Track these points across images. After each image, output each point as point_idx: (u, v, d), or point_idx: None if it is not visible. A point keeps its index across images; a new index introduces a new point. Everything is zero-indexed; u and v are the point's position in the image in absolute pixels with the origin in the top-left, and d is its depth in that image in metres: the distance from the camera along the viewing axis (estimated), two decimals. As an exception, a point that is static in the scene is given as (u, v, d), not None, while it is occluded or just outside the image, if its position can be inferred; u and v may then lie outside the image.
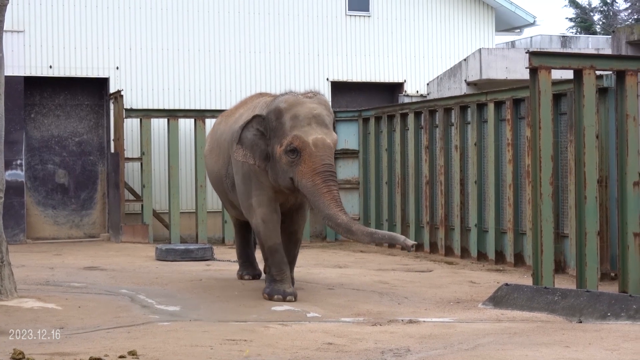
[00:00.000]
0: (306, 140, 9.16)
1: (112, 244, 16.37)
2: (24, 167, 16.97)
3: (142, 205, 16.69)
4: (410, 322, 8.42)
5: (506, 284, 9.59)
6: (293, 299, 9.40)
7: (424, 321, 8.50)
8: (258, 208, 9.70)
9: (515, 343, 7.29)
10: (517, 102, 13.07)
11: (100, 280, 11.15)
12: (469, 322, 8.50)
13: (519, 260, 13.02)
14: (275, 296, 9.42)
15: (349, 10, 19.00)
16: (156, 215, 16.91)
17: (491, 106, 13.50)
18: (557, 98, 11.97)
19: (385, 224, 16.27)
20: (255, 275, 11.06)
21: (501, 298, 9.36)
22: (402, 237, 8.99)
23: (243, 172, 9.81)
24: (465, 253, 14.13)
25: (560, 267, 11.92)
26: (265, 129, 9.51)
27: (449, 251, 14.50)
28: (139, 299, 9.60)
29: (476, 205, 13.83)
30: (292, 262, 10.02)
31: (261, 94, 10.47)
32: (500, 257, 13.38)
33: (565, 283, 10.81)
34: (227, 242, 16.47)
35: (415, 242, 9.58)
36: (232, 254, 14.30)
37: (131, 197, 16.87)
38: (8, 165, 15.64)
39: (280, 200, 9.77)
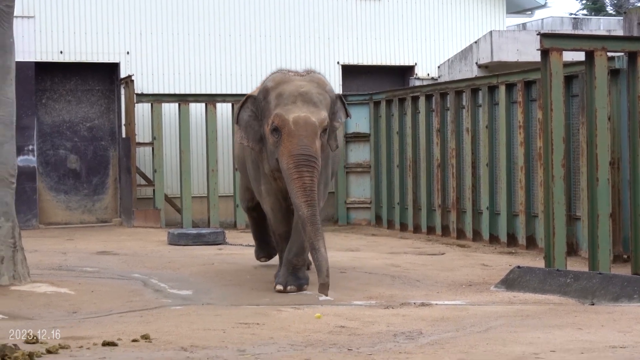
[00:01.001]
0: (286, 119, 8.59)
1: (124, 229, 16.41)
2: (35, 153, 17.00)
3: (153, 190, 16.71)
4: (423, 305, 8.42)
5: (518, 267, 9.58)
6: (305, 286, 9.08)
7: (436, 304, 8.50)
8: (267, 196, 9.42)
9: (528, 325, 7.29)
10: (528, 85, 13.03)
11: (113, 264, 11.18)
12: (481, 304, 8.50)
13: (531, 242, 13.01)
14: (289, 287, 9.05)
15: (359, -7, 18.96)
16: (168, 199, 16.93)
17: (502, 89, 13.46)
18: (568, 80, 11.92)
19: (397, 208, 16.26)
20: (271, 255, 10.88)
21: (513, 281, 9.35)
22: (324, 276, 8.28)
23: (252, 158, 9.53)
24: (477, 236, 14.12)
25: (572, 250, 11.90)
26: (257, 109, 9.07)
27: (460, 234, 14.49)
28: (151, 283, 9.62)
29: (488, 188, 13.80)
30: (295, 255, 9.30)
31: (281, 70, 9.52)
32: (512, 240, 13.36)
33: (577, 265, 10.79)
34: (239, 226, 16.49)
35: (328, 297, 8.56)
36: (244, 238, 14.33)
37: (143, 182, 16.89)
38: (20, 151, 15.66)
39: (281, 186, 9.20)
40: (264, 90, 8.98)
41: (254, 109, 9.10)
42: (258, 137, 9.05)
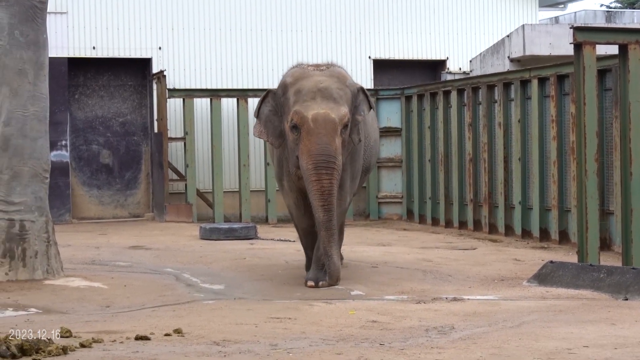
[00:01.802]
0: (305, 116, 8.42)
1: (156, 224, 16.48)
2: (68, 148, 17.11)
3: (185, 185, 16.78)
4: (454, 299, 8.40)
5: (551, 262, 9.53)
6: (325, 284, 8.90)
7: (468, 299, 8.47)
8: (290, 192, 9.27)
9: (561, 320, 7.25)
10: (561, 78, 12.96)
11: (145, 259, 11.23)
12: (513, 299, 8.46)
13: (563, 237, 12.94)
14: (309, 282, 9.01)
15: (390, -13, 18.92)
16: (200, 194, 16.98)
17: (535, 82, 13.39)
18: (601, 74, 11.84)
19: (429, 202, 16.23)
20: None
21: (546, 275, 9.30)
22: (333, 282, 8.56)
23: (277, 154, 9.38)
24: (509, 231, 14.06)
25: (605, 245, 11.82)
26: (277, 104, 8.91)
27: (492, 229, 14.44)
28: (183, 277, 9.66)
29: (520, 182, 13.74)
30: (322, 253, 9.02)
31: (300, 65, 9.31)
32: (544, 235, 13.30)
33: (610, 260, 10.72)
34: (271, 220, 16.53)
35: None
36: (275, 232, 14.37)
37: (175, 177, 16.96)
38: (53, 146, 15.75)
39: (302, 185, 8.99)
40: (283, 86, 8.85)
41: (273, 104, 8.96)
42: (278, 132, 8.92)
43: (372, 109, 9.39)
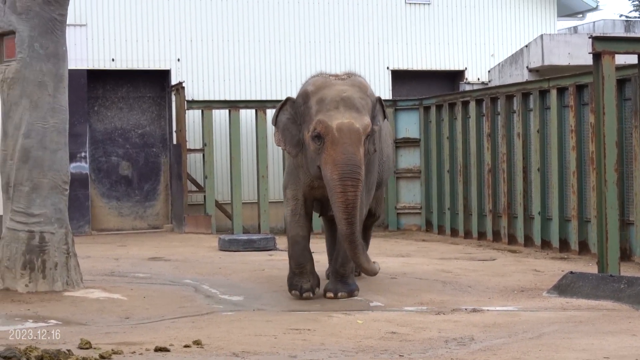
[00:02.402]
0: (330, 125, 8.31)
1: (175, 235, 16.50)
2: (88, 160, 17.17)
3: (204, 196, 16.80)
4: (474, 310, 8.38)
5: (571, 272, 9.50)
6: (311, 295, 8.87)
7: (488, 310, 8.45)
8: (290, 200, 9.13)
9: (581, 332, 7.22)
10: (580, 88, 12.92)
11: (165, 270, 11.25)
12: (533, 310, 8.43)
13: (583, 248, 12.88)
14: (292, 291, 8.95)
15: (408, -2, 18.92)
16: (219, 205, 17.01)
17: (554, 92, 13.35)
18: (621, 83, 11.79)
19: (448, 213, 16.20)
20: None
21: (566, 286, 9.27)
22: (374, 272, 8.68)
23: (288, 163, 9.33)
24: (528, 241, 14.01)
25: (625, 255, 11.76)
26: (296, 113, 8.81)
27: (512, 239, 14.38)
28: (202, 289, 9.67)
29: (539, 192, 13.69)
30: (341, 264, 9.08)
31: (321, 74, 9.18)
32: (564, 245, 13.24)
33: (631, 271, 10.67)
34: (289, 232, 16.50)
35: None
36: (294, 243, 14.34)
37: (194, 188, 16.99)
38: (72, 158, 15.80)
39: (317, 195, 9.08)
40: (304, 94, 8.77)
41: (292, 113, 8.88)
42: (295, 141, 8.85)
43: (386, 120, 9.34)
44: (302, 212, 9.07)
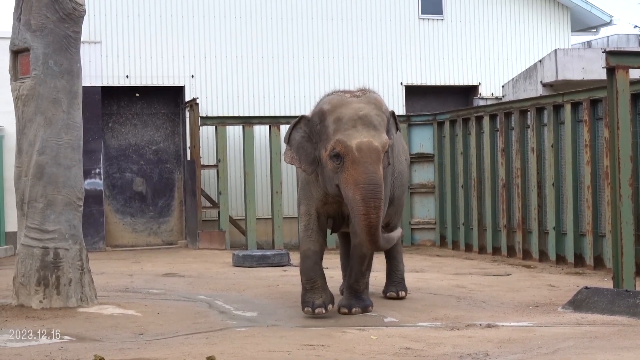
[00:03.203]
0: (349, 145, 8.30)
1: (189, 251, 16.52)
2: (102, 176, 17.22)
3: (218, 212, 16.82)
4: (489, 326, 8.35)
5: (586, 287, 9.45)
6: (323, 311, 8.76)
7: (503, 325, 8.42)
8: (304, 215, 9.12)
9: (596, 347, 7.18)
10: (594, 103, 12.89)
11: (179, 286, 11.25)
12: (548, 326, 8.40)
13: (598, 263, 12.83)
14: (305, 308, 8.84)
15: (422, 13, 18.92)
16: (233, 221, 17.02)
17: (568, 107, 13.33)
18: (635, 98, 11.76)
19: (462, 228, 16.17)
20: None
21: (581, 302, 9.23)
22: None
23: (301, 179, 9.32)
24: (543, 256, 13.96)
25: (641, 270, 11.70)
26: (312, 131, 8.78)
27: (526, 254, 14.34)
28: (216, 305, 9.66)
29: (554, 207, 13.65)
30: (355, 280, 9.04)
31: (336, 92, 9.06)
32: (579, 260, 13.19)
33: (646, 286, 10.61)
34: (303, 247, 16.49)
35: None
36: (308, 259, 14.31)
37: (208, 204, 17.01)
38: (87, 174, 15.86)
39: (330, 212, 9.10)
40: (320, 113, 8.73)
41: (307, 131, 8.85)
42: (311, 159, 8.82)
43: (400, 137, 9.34)
44: (314, 227, 9.04)
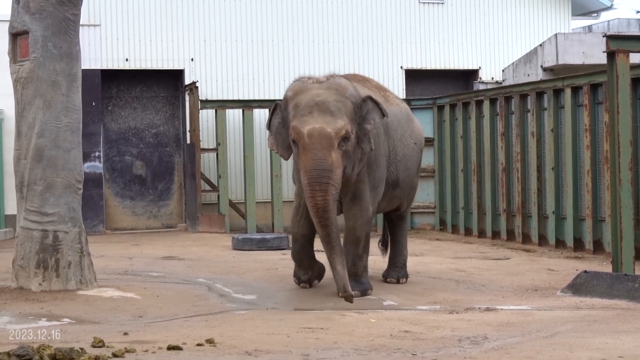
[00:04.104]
0: (301, 131, 8.41)
1: (189, 234, 16.53)
2: (102, 159, 17.21)
3: (218, 196, 16.82)
4: (488, 309, 8.36)
5: (585, 271, 9.47)
6: (307, 286, 9.42)
7: (502, 309, 8.43)
8: (296, 196, 9.39)
9: (595, 331, 7.20)
10: (594, 87, 12.87)
11: (178, 269, 11.27)
12: (547, 309, 8.41)
13: (598, 247, 12.84)
14: (294, 279, 9.61)
15: (422, -3, 18.89)
16: (232, 205, 17.02)
17: (568, 92, 13.32)
18: (635, 82, 11.74)
19: (462, 212, 16.18)
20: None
21: (580, 285, 9.24)
22: (342, 290, 8.39)
23: (294, 163, 9.37)
24: (542, 240, 13.97)
25: (640, 254, 11.72)
26: (283, 117, 8.94)
27: (526, 239, 14.35)
28: (216, 287, 9.67)
29: (554, 192, 13.66)
30: (353, 264, 9.03)
31: (301, 78, 9.21)
32: (578, 245, 13.20)
33: (645, 270, 10.62)
34: (303, 231, 16.50)
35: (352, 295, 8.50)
36: (307, 243, 14.34)
37: (207, 188, 17.02)
38: (86, 158, 15.87)
39: None
40: (285, 100, 8.89)
41: (281, 116, 9.00)
42: (286, 144, 8.96)
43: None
44: (303, 211, 9.23)
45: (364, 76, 10.34)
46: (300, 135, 8.45)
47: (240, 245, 13.66)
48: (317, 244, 9.16)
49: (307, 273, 9.52)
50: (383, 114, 8.95)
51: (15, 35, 9.39)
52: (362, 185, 8.99)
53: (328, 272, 9.83)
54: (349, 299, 8.36)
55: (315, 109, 8.51)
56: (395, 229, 10.41)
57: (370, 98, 8.88)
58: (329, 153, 8.38)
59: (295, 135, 8.50)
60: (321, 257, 9.38)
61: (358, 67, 18.08)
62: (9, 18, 9.50)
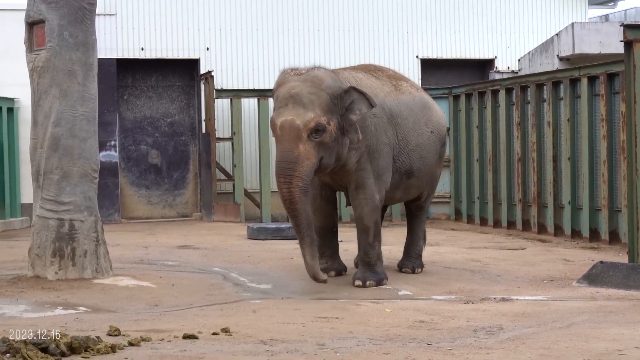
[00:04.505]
0: (275, 123, 8.61)
1: (204, 223, 16.55)
2: (117, 148, 17.24)
3: (233, 185, 16.83)
4: (503, 300, 8.35)
5: (601, 262, 9.44)
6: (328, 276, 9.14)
7: (517, 299, 8.42)
8: (310, 187, 9.24)
9: (611, 321, 7.17)
10: (611, 77, 12.81)
11: (193, 258, 11.28)
12: (562, 300, 8.39)
13: (614, 237, 12.80)
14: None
15: (438, -14, 18.84)
16: (247, 194, 17.03)
17: (584, 81, 13.26)
18: (652, 72, 11.67)
19: (477, 202, 16.14)
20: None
21: (596, 276, 9.21)
22: (312, 275, 8.61)
23: None
24: (558, 231, 13.94)
25: (657, 245, 11.66)
26: (273, 109, 9.13)
27: (541, 229, 14.31)
28: (231, 277, 9.68)
29: (569, 182, 13.61)
30: (365, 253, 9.11)
31: (285, 70, 9.25)
32: (594, 235, 13.16)
33: (662, 261, 10.57)
34: (318, 220, 16.51)
35: (325, 279, 8.70)
36: (323, 232, 14.34)
37: (223, 177, 17.03)
38: (102, 147, 15.90)
39: (331, 183, 9.38)
40: (272, 92, 9.13)
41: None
42: None
43: (373, 107, 9.07)
44: (319, 200, 9.47)
45: (378, 65, 10.30)
46: (274, 127, 8.66)
47: (255, 235, 13.67)
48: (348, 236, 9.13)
49: (326, 262, 9.53)
50: (371, 104, 8.90)
51: (32, 25, 9.40)
52: (365, 173, 9.03)
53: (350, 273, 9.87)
54: (316, 281, 8.63)
55: (290, 102, 8.62)
56: (413, 219, 10.38)
57: (353, 89, 8.87)
58: (296, 145, 8.48)
59: (273, 128, 8.73)
60: (344, 253, 9.35)
61: (373, 56, 18.05)
62: (25, 7, 9.51)
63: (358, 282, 9.02)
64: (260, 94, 16.87)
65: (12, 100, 16.46)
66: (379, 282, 9.05)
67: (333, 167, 8.85)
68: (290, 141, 8.50)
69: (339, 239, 9.90)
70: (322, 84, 8.73)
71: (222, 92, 16.93)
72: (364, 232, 9.11)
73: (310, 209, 8.69)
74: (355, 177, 9.04)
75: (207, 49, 17.70)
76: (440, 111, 10.39)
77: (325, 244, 9.52)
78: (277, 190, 17.02)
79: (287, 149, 8.51)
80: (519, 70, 18.53)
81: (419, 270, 9.98)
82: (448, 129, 16.91)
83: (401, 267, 10.06)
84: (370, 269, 9.07)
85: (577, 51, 16.67)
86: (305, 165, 8.49)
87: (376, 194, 9.11)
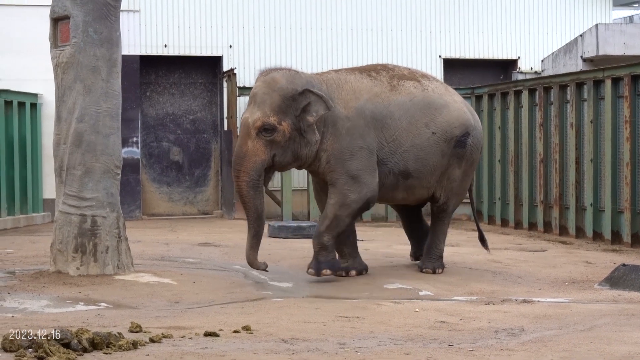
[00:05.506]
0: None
1: (225, 221, 16.57)
2: (139, 145, 17.29)
3: (254, 183, 16.82)
4: (524, 301, 8.32)
5: (623, 265, 9.39)
6: (343, 274, 9.55)
7: (538, 301, 8.39)
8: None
9: (633, 325, 7.14)
10: (635, 79, 12.75)
11: (214, 256, 11.30)
12: (584, 302, 8.36)
13: (636, 240, 12.73)
14: None
15: (461, -14, 18.80)
16: (268, 192, 17.02)
17: (608, 83, 13.20)
18: (677, 74, 11.62)
19: (498, 203, 16.10)
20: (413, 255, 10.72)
21: (618, 279, 9.17)
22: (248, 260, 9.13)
23: None
24: (580, 233, 13.88)
25: (679, 248, 11.61)
26: None
27: (563, 231, 14.26)
28: (252, 275, 9.69)
29: (592, 184, 13.55)
30: (313, 239, 9.50)
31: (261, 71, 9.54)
32: (616, 237, 13.10)
33: (684, 264, 10.52)
34: (339, 219, 16.50)
35: (264, 267, 9.20)
36: (343, 231, 14.33)
37: (244, 175, 17.02)
38: (124, 143, 15.94)
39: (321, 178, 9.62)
40: None
41: None
42: None
43: (329, 110, 9.03)
44: (324, 198, 9.64)
45: (388, 65, 10.18)
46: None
47: (276, 233, 13.68)
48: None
49: (347, 261, 9.64)
50: (327, 106, 9.07)
51: (57, 20, 9.43)
52: (335, 174, 9.27)
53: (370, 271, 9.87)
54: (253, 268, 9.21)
55: (251, 101, 9.13)
56: (434, 220, 10.32)
57: (309, 91, 9.08)
58: (245, 142, 8.99)
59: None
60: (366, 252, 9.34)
61: (396, 55, 18.04)
62: (49, 3, 9.54)
63: (312, 271, 9.30)
64: (283, 92, 16.85)
65: (35, 95, 16.54)
66: (318, 272, 9.22)
67: (299, 166, 9.36)
68: (241, 138, 9.04)
69: (358, 237, 9.94)
70: (276, 85, 9.07)
71: (244, 90, 16.95)
72: (321, 220, 9.41)
73: (261, 202, 9.11)
74: (329, 177, 9.34)
75: (230, 46, 17.72)
76: (458, 112, 9.99)
77: (342, 243, 9.64)
78: (298, 188, 17.18)
79: (238, 145, 9.05)
80: (542, 71, 18.47)
81: (440, 271, 9.96)
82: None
83: (422, 267, 10.03)
84: (314, 257, 9.31)
85: (601, 52, 16.60)
86: (253, 161, 8.96)
87: (350, 194, 9.25)
